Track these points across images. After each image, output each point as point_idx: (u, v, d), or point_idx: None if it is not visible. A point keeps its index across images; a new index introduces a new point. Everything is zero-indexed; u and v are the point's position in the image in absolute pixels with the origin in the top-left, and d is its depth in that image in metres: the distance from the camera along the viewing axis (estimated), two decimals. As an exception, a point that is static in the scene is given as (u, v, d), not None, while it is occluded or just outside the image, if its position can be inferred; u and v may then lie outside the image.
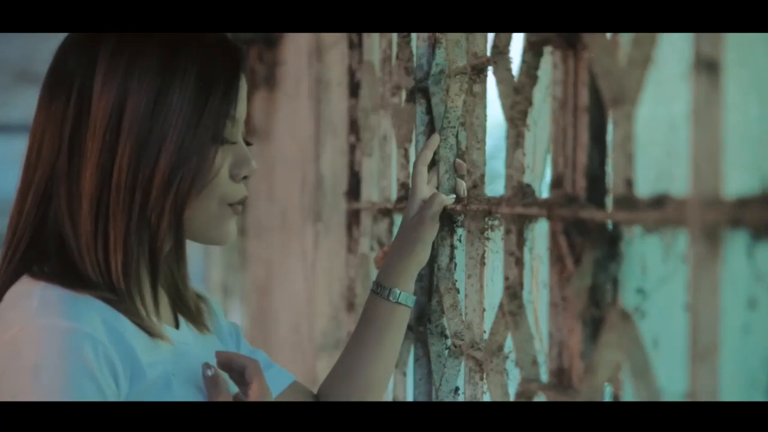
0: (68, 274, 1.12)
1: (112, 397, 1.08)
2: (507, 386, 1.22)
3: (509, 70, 1.21)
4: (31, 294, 1.10)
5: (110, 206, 1.13)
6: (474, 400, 1.30)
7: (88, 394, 1.06)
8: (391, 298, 1.39)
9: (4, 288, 1.14)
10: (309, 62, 2.24)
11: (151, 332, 1.14)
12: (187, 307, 1.27)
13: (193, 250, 1.30)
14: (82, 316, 1.08)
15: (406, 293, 1.39)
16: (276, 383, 1.39)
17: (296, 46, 2.41)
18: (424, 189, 1.41)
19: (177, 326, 1.25)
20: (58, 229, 1.15)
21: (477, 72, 1.33)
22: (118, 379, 1.09)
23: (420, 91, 1.50)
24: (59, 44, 1.19)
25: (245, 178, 1.21)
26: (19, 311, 1.09)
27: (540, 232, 1.16)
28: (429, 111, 1.49)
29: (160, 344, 1.16)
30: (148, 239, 1.15)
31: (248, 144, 1.23)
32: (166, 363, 1.15)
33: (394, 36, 1.71)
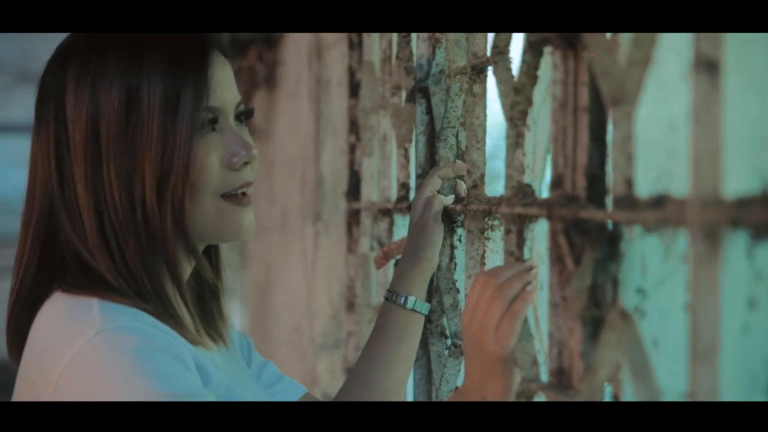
0: (107, 290, 1.11)
1: (200, 383, 1.07)
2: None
3: (509, 70, 1.21)
4: (90, 307, 1.08)
5: (115, 228, 1.12)
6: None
7: (183, 375, 1.05)
8: (406, 306, 1.38)
9: (31, 310, 1.14)
10: (309, 62, 2.23)
11: (197, 344, 1.14)
12: (214, 326, 1.26)
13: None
14: (142, 322, 1.08)
15: (420, 301, 1.39)
16: (287, 395, 1.39)
17: (296, 46, 2.41)
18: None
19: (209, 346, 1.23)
20: (76, 255, 1.13)
21: (477, 72, 1.33)
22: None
23: (420, 91, 1.50)
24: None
25: (246, 164, 1.18)
26: (81, 323, 1.07)
27: (540, 232, 1.16)
28: (429, 111, 1.48)
29: (209, 358, 1.15)
30: (161, 252, 1.13)
31: (245, 118, 1.20)
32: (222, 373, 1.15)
33: (394, 36, 1.71)
